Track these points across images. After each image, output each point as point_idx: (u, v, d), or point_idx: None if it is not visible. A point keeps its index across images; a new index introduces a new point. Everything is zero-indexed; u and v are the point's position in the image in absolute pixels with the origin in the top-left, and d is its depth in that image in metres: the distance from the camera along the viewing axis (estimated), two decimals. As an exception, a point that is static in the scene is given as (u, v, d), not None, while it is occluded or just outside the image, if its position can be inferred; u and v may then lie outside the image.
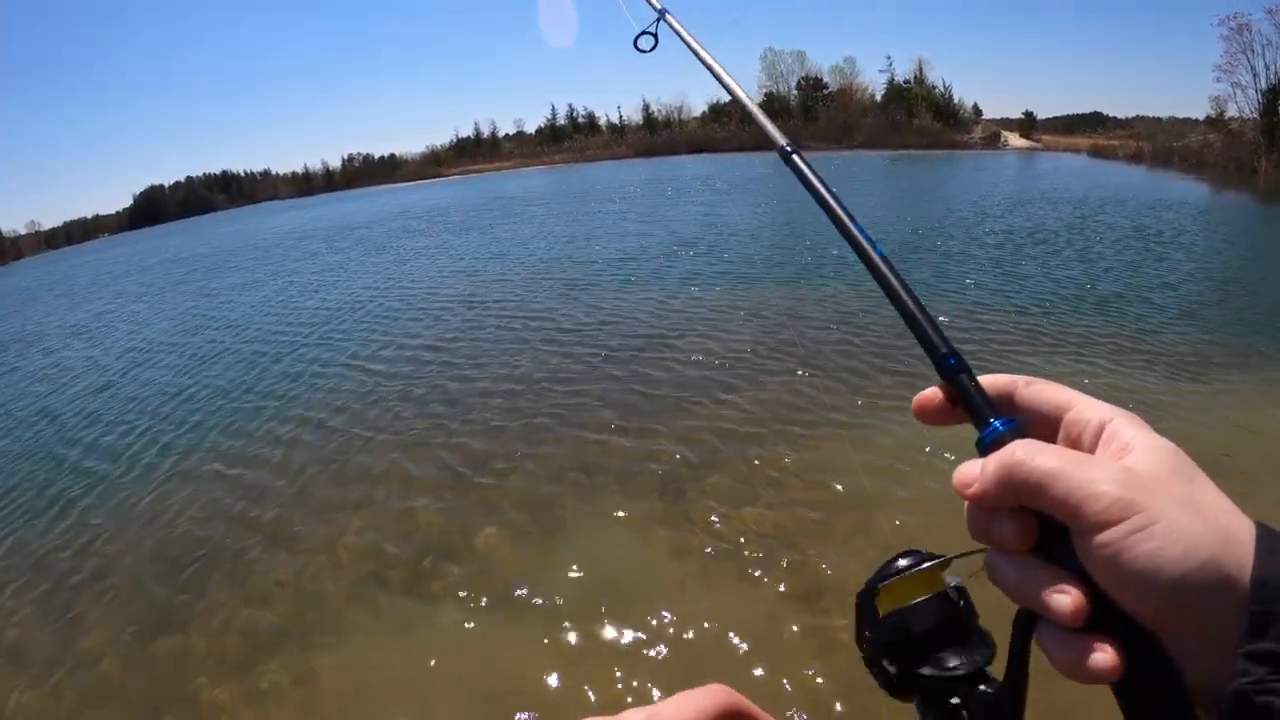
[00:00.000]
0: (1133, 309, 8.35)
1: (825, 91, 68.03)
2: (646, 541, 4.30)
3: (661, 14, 1.07)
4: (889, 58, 78.71)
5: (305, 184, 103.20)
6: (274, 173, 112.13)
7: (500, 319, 9.93)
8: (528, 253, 16.11)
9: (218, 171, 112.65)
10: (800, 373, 6.65)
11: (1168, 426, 4.98)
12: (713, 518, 4.42)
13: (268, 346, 10.18)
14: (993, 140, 55.23)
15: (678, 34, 0.99)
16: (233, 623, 4.06)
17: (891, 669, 0.46)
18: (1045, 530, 0.39)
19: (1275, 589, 0.32)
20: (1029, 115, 58.92)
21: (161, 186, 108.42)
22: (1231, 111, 34.30)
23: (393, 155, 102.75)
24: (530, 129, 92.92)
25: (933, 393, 0.48)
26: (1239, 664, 0.32)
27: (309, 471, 5.76)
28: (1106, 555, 0.35)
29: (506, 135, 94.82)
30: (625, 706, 0.36)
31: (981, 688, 0.44)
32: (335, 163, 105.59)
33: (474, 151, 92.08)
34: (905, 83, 62.88)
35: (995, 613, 0.51)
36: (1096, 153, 41.53)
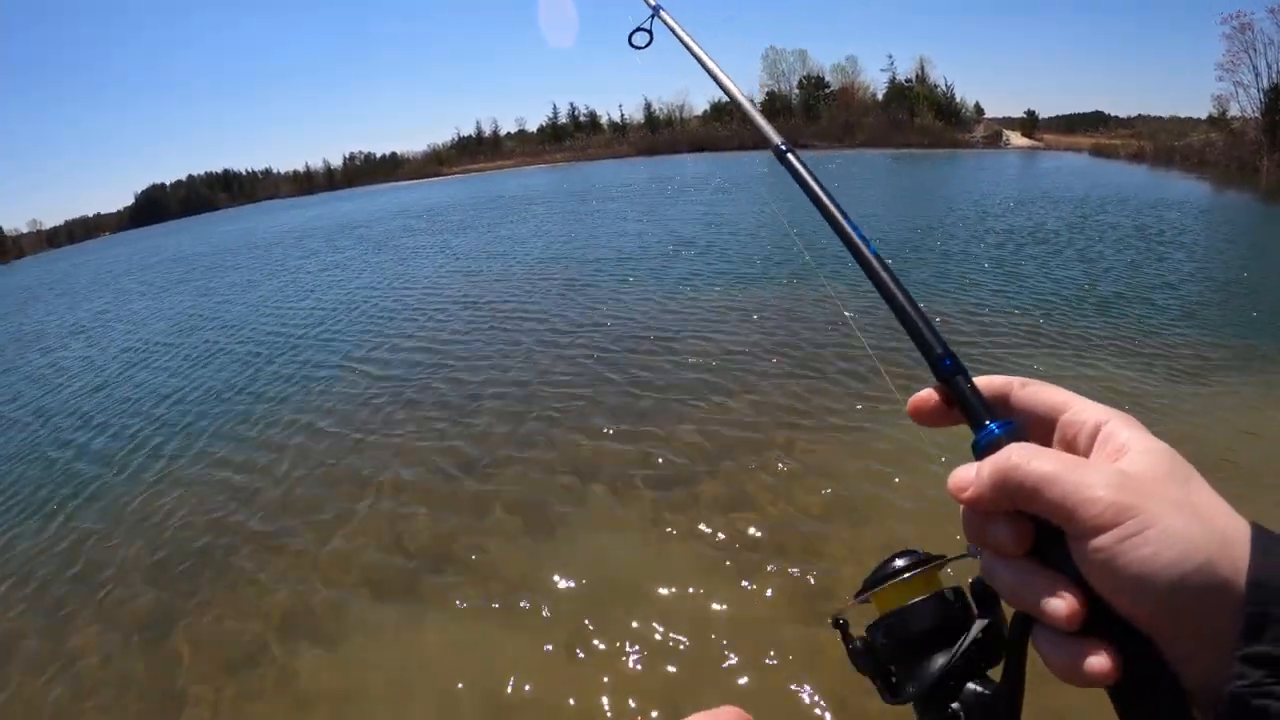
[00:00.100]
0: (1133, 309, 8.34)
1: (827, 90, 68.08)
2: (643, 543, 4.29)
3: (656, 10, 1.06)
4: (891, 57, 78.84)
5: (307, 182, 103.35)
6: (275, 171, 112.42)
7: (499, 319, 9.93)
8: (526, 252, 16.11)
9: (219, 170, 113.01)
10: (798, 373, 6.64)
11: (1167, 428, 4.99)
12: (710, 520, 4.41)
13: (261, 347, 10.19)
14: (994, 139, 55.27)
15: (672, 30, 0.99)
16: (225, 623, 4.05)
17: (890, 667, 0.46)
18: (1041, 534, 0.39)
19: (1271, 591, 0.32)
20: (1031, 114, 58.93)
21: (163, 185, 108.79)
22: (1234, 110, 34.40)
23: (394, 154, 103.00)
24: (532, 127, 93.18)
25: (928, 394, 0.48)
26: (1235, 667, 0.32)
27: (302, 472, 5.74)
28: (1102, 560, 0.35)
29: (508, 134, 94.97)
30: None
31: (978, 689, 0.43)
32: (336, 161, 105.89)
33: (476, 150, 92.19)
34: (907, 82, 62.91)
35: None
36: (1098, 152, 41.55)
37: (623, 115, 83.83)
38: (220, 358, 10.07)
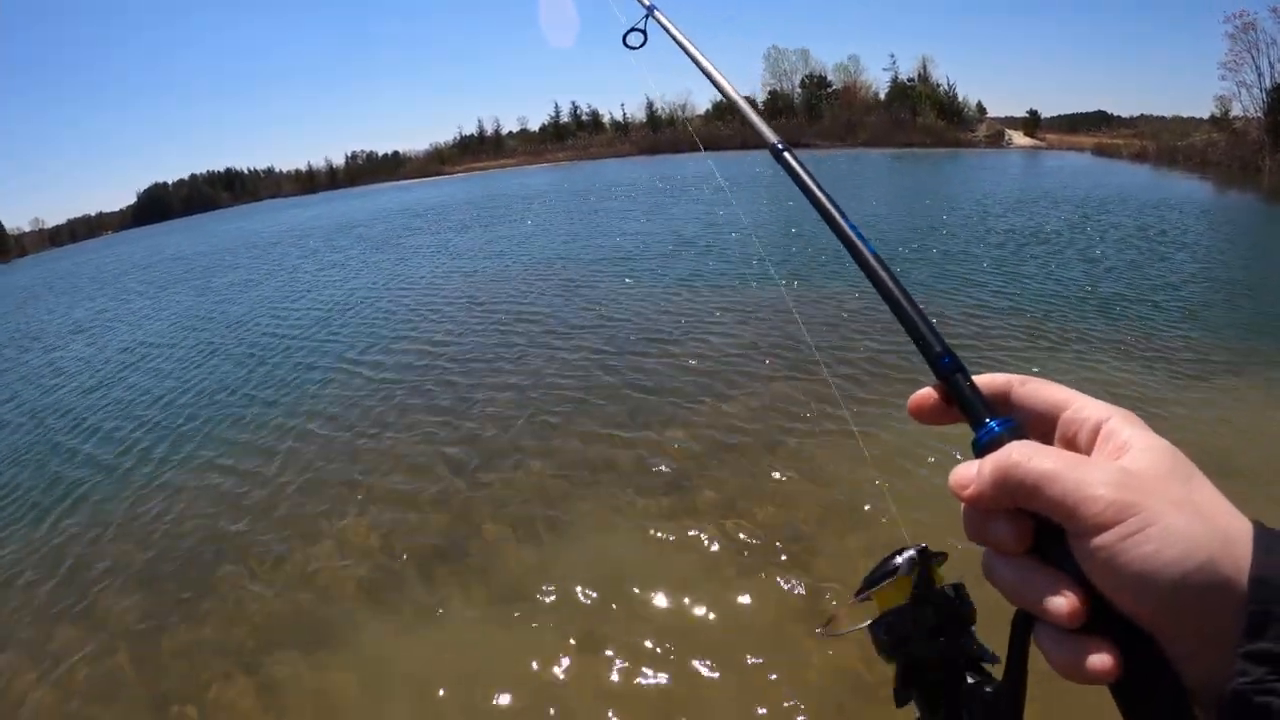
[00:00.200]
0: (1135, 309, 8.32)
1: (829, 90, 67.97)
2: (638, 547, 4.26)
3: (650, 10, 1.06)
4: (893, 56, 78.95)
5: (309, 181, 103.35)
6: (277, 170, 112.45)
7: (499, 318, 9.92)
8: (526, 251, 16.11)
9: (221, 169, 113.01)
10: (799, 372, 6.63)
11: (1169, 428, 4.98)
12: (716, 517, 4.41)
13: (258, 349, 10.19)
14: (997, 139, 55.15)
15: (666, 30, 0.99)
16: (240, 618, 4.06)
17: (901, 658, 0.47)
18: (1042, 532, 0.39)
19: (1274, 589, 0.32)
20: (1033, 114, 58.73)
21: (165, 184, 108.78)
22: (1236, 110, 34.32)
23: (396, 153, 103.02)
24: (534, 126, 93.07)
25: (928, 393, 0.47)
26: (1237, 664, 0.32)
27: (293, 475, 5.71)
28: (1103, 558, 0.35)
29: (510, 133, 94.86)
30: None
31: (981, 687, 0.44)
32: (339, 160, 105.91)
33: (478, 149, 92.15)
34: (909, 81, 62.81)
35: (994, 613, 0.51)
36: (1100, 151, 41.46)
37: (625, 114, 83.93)
38: (222, 355, 10.10)
